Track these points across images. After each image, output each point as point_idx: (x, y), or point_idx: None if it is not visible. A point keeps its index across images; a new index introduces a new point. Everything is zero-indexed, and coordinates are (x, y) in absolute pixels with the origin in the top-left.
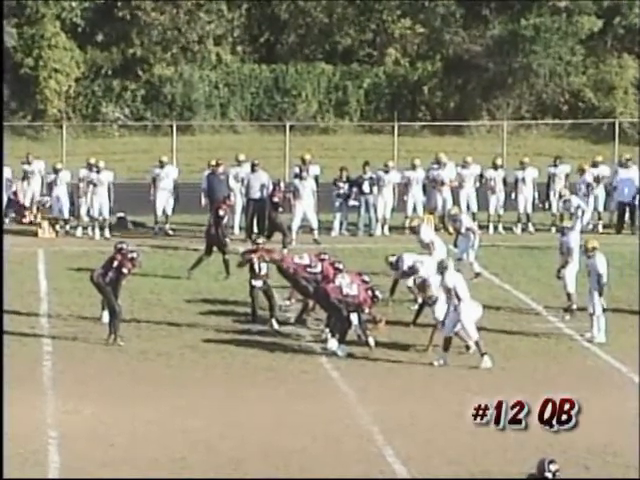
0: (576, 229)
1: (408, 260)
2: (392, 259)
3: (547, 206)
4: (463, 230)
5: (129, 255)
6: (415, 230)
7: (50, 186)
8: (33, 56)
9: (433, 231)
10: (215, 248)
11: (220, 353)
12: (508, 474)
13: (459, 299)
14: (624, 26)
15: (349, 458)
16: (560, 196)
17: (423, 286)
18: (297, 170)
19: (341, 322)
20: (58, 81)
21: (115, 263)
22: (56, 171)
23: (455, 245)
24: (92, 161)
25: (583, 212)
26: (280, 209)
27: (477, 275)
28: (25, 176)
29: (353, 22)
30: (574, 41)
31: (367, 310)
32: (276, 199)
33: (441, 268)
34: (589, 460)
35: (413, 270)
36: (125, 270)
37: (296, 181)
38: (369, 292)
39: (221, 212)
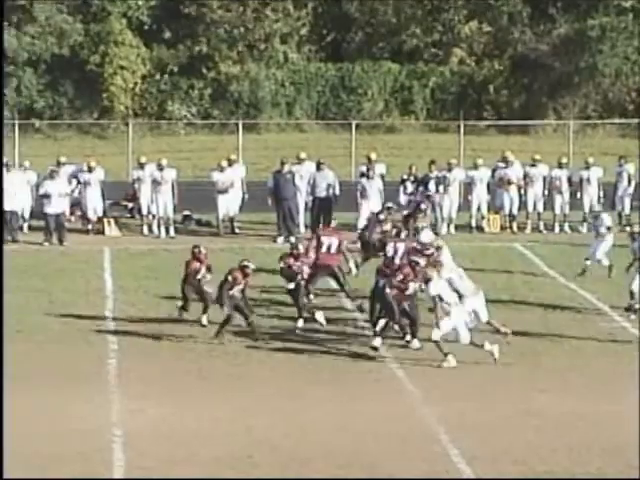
0: None
1: None
2: None
3: (613, 205)
4: (603, 230)
5: (246, 270)
6: (417, 231)
7: (85, 185)
8: (99, 53)
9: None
10: None
11: (285, 352)
12: (573, 474)
13: (448, 303)
14: None
15: (414, 458)
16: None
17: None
18: (363, 169)
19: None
20: (124, 78)
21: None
22: (90, 170)
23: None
24: (143, 160)
25: None
26: None
27: (611, 269)
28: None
29: (420, 21)
30: None
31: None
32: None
33: (425, 278)
34: None
35: None
36: (241, 286)
37: (363, 180)
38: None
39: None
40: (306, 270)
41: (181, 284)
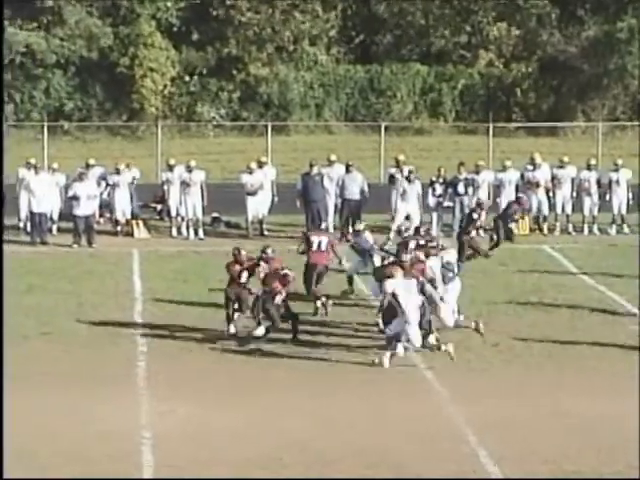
0: None
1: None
2: None
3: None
4: None
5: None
6: (358, 234)
7: (113, 187)
8: (128, 56)
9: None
10: None
11: (314, 356)
12: (601, 474)
13: (400, 306)
14: None
15: (442, 458)
16: None
17: None
18: (392, 171)
19: None
20: (154, 80)
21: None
22: (118, 172)
23: None
24: (172, 162)
25: None
26: None
27: None
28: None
29: (449, 23)
30: None
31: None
32: None
33: (380, 275)
34: None
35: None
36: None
37: (405, 183)
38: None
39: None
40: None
41: (226, 288)
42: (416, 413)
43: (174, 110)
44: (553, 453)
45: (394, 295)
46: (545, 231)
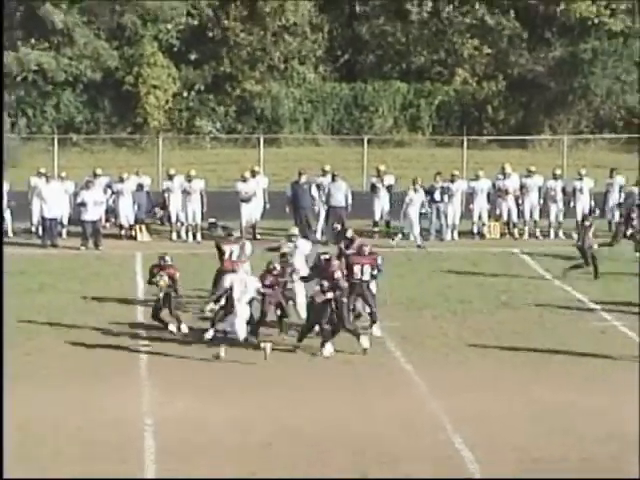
0: None
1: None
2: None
3: (603, 214)
4: None
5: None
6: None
7: (118, 195)
8: (133, 74)
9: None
10: None
11: (305, 349)
12: (567, 459)
13: (233, 298)
14: None
15: (421, 444)
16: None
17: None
18: (373, 180)
19: None
20: (156, 96)
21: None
22: (122, 180)
23: None
24: (172, 172)
25: None
26: None
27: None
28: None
29: (427, 43)
30: (629, 62)
31: None
32: None
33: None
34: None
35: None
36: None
37: (410, 193)
38: None
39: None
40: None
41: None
42: (397, 404)
43: (174, 124)
44: (522, 440)
45: (230, 289)
46: (515, 235)
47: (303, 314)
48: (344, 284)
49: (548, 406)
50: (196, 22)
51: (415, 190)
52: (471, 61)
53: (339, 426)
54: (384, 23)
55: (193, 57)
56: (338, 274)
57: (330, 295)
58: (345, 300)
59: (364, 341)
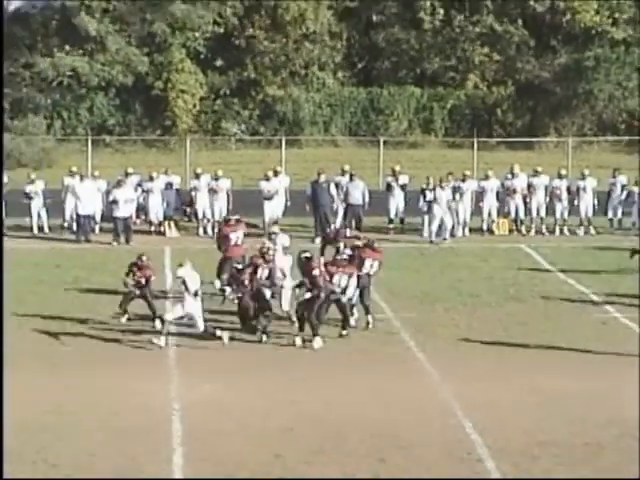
0: None
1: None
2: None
3: (606, 212)
4: None
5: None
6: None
7: (147, 193)
8: (162, 79)
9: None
10: None
11: (324, 338)
12: (572, 444)
13: (187, 290)
14: None
15: (432, 429)
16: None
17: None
18: (389, 179)
19: None
20: (184, 100)
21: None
22: (152, 179)
23: None
24: (199, 171)
25: None
26: None
27: None
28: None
29: (439, 50)
30: (631, 69)
31: None
32: None
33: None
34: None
35: None
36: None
37: (438, 190)
38: None
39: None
40: None
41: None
42: (411, 390)
43: (201, 126)
44: (529, 425)
45: (184, 281)
46: (523, 232)
47: (286, 307)
48: (321, 282)
49: (552, 394)
50: (222, 30)
51: (442, 188)
52: (481, 67)
53: (356, 412)
54: (399, 31)
55: (219, 63)
56: (316, 272)
57: (308, 295)
58: (323, 296)
59: (317, 342)
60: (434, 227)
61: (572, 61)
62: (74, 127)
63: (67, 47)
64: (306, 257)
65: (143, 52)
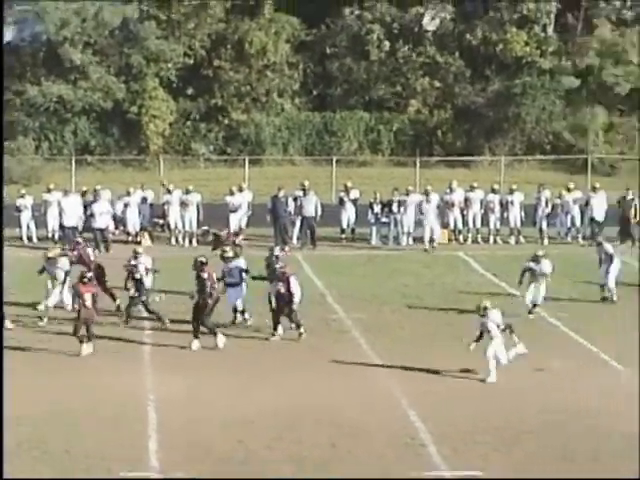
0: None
1: None
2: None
3: (534, 223)
4: (603, 256)
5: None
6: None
7: (125, 206)
8: (137, 105)
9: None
10: None
11: (284, 339)
12: (506, 431)
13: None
14: (597, 83)
15: (379, 418)
16: (547, 215)
17: None
18: (341, 194)
19: None
20: (156, 125)
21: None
22: (129, 194)
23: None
24: (171, 187)
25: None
26: None
27: (607, 299)
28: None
29: (385, 79)
30: (556, 95)
31: None
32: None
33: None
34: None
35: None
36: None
37: (424, 202)
38: None
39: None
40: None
41: None
42: (360, 383)
43: (173, 147)
44: (468, 413)
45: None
46: (460, 241)
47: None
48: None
49: (487, 385)
50: (192, 61)
51: (428, 201)
52: (423, 94)
53: (310, 404)
54: (350, 62)
55: (189, 91)
56: (205, 275)
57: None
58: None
59: (220, 339)
60: (436, 234)
61: (504, 88)
62: (60, 148)
63: (53, 77)
64: (201, 262)
65: (121, 80)
